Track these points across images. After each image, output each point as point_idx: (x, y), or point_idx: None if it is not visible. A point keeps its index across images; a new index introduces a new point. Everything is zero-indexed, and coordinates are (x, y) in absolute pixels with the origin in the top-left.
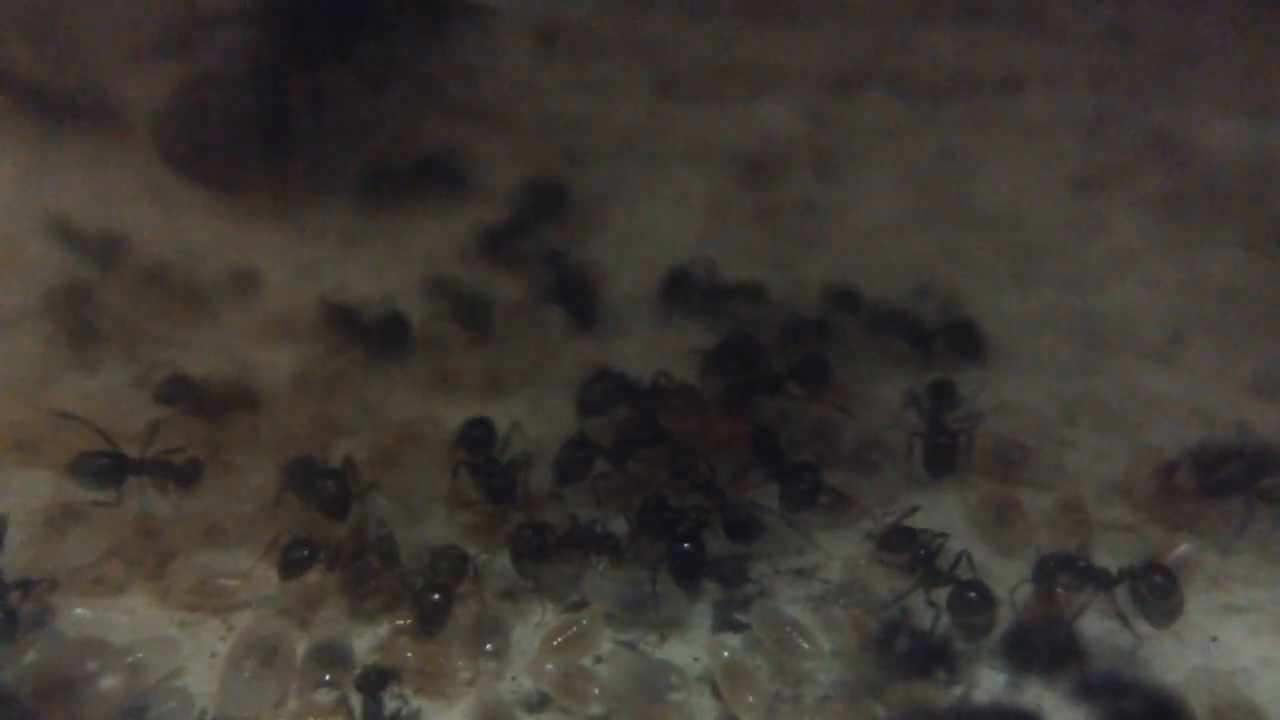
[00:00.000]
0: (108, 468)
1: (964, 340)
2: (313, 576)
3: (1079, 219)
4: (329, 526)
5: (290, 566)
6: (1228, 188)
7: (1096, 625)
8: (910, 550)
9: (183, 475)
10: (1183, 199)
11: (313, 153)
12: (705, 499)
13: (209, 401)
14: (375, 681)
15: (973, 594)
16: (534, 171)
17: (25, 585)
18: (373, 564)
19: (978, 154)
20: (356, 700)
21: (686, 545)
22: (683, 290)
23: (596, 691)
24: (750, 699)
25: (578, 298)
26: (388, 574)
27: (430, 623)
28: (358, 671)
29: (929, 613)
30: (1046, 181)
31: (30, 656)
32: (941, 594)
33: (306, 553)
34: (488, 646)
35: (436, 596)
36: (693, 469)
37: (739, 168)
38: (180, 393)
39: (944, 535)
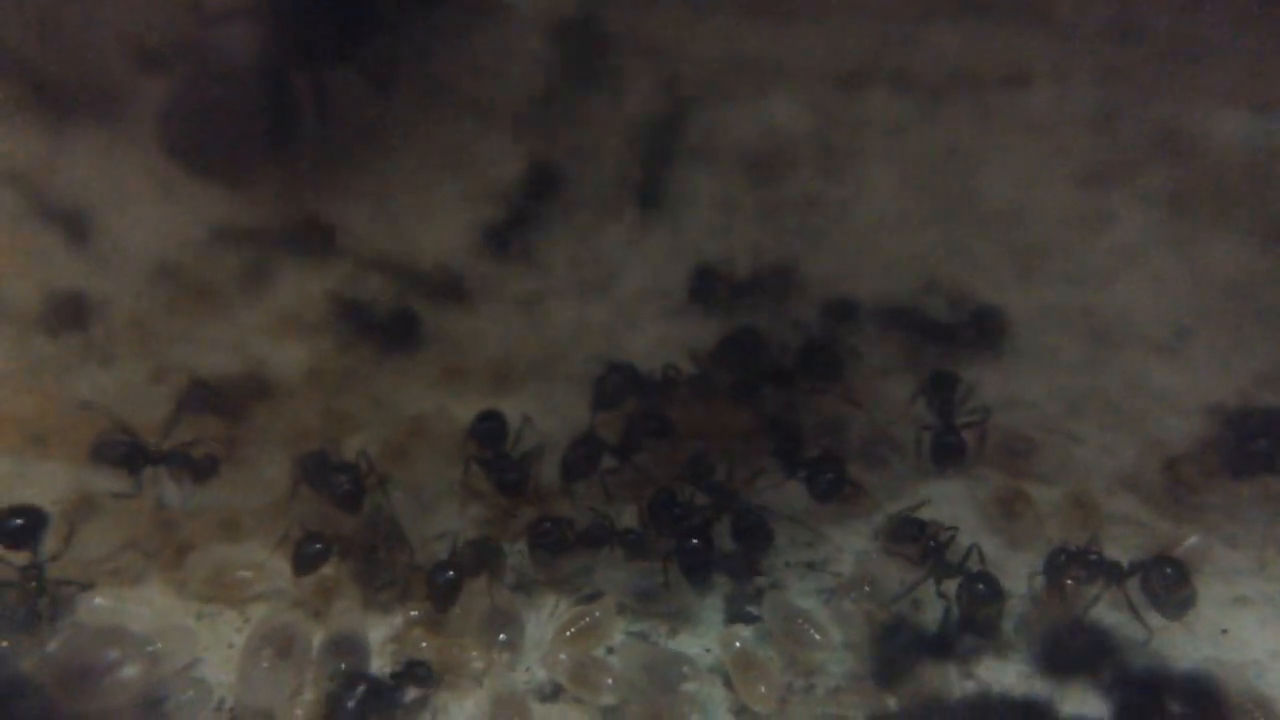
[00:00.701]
0: (127, 454)
1: (989, 328)
2: (327, 569)
3: (1084, 215)
4: (342, 519)
5: (304, 562)
6: (1232, 183)
7: (1108, 617)
8: (920, 542)
9: (200, 469)
10: (1187, 195)
11: (317, 148)
12: (716, 500)
13: (227, 402)
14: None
15: (981, 586)
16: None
17: (60, 584)
18: (381, 554)
19: (982, 150)
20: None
21: (695, 541)
22: (708, 287)
23: (609, 682)
24: (762, 690)
25: None
26: (398, 560)
27: (442, 600)
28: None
29: (939, 604)
30: (1051, 177)
31: (52, 645)
32: (951, 586)
33: (320, 547)
34: (501, 637)
35: (450, 574)
36: (710, 472)
37: (744, 164)
38: (203, 397)
39: (954, 528)
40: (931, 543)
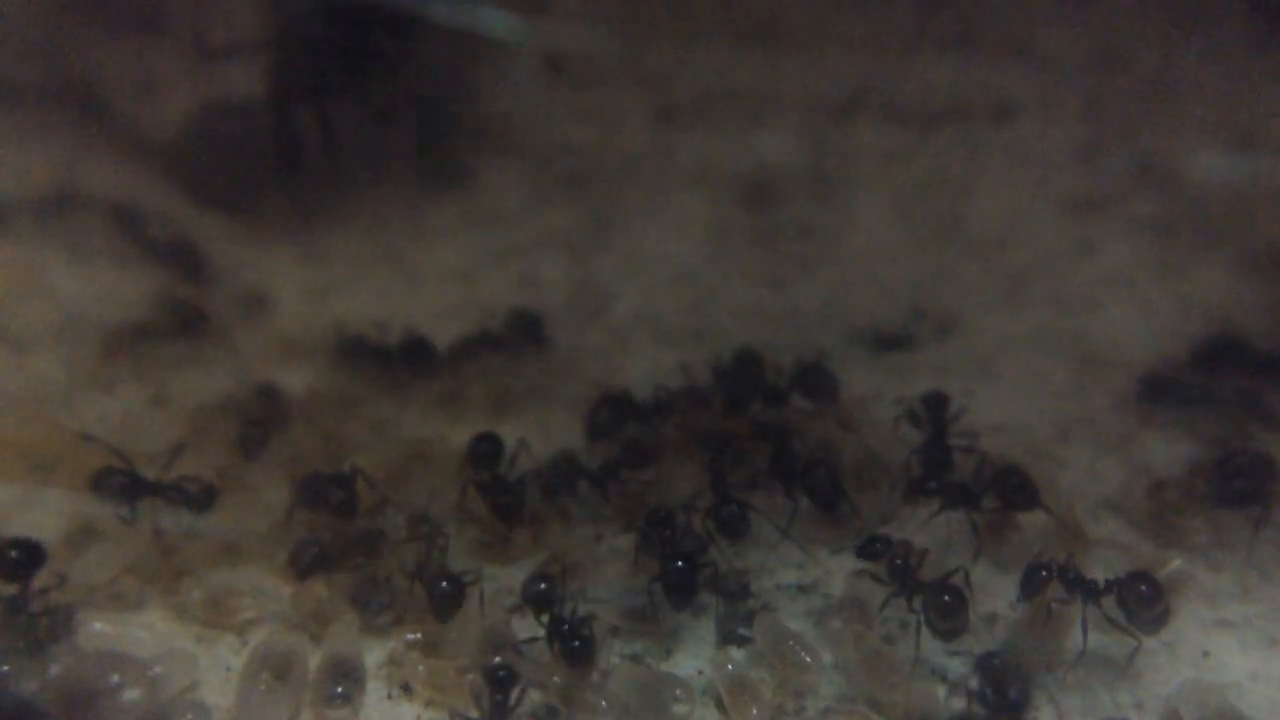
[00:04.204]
0: (126, 486)
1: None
2: (323, 591)
3: (1070, 242)
4: (336, 536)
5: (303, 565)
6: (1214, 214)
7: (1090, 636)
8: (886, 558)
9: (197, 502)
10: (1171, 224)
11: (323, 178)
12: (711, 484)
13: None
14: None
15: (946, 598)
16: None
17: (48, 612)
18: (358, 557)
19: (970, 179)
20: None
21: (679, 564)
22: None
23: (603, 704)
24: (753, 711)
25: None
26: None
27: (442, 609)
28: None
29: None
30: (1038, 206)
31: (54, 670)
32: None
33: (317, 550)
34: (496, 659)
35: (445, 584)
36: (719, 455)
37: (738, 192)
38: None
39: (925, 550)
40: (898, 560)
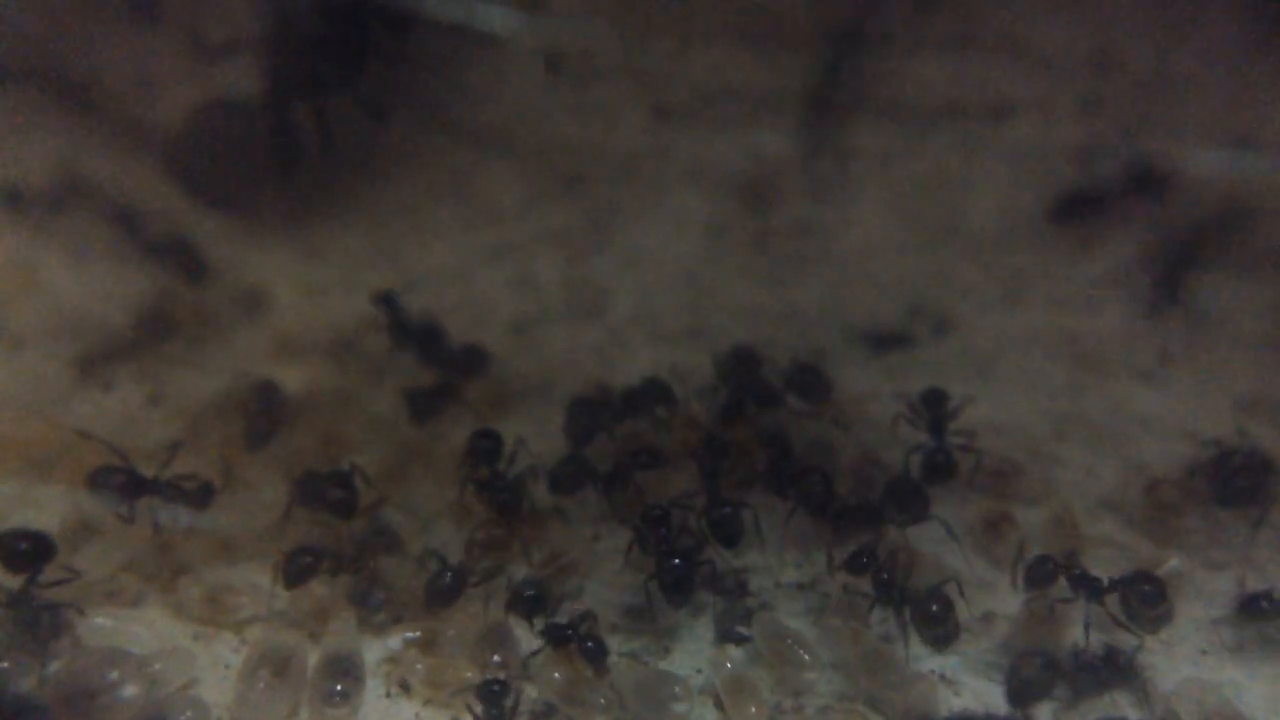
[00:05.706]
0: (124, 484)
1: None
2: (322, 590)
3: (1067, 243)
4: (334, 535)
5: (294, 574)
6: (1212, 214)
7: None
8: (870, 571)
9: (195, 500)
10: (1168, 224)
11: (320, 176)
12: (704, 485)
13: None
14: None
15: (933, 608)
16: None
17: (51, 607)
18: (378, 563)
19: (967, 178)
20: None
21: (675, 561)
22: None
23: (602, 702)
24: (752, 710)
25: None
26: (394, 578)
27: (436, 601)
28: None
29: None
30: (1034, 205)
31: (53, 666)
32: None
33: (310, 559)
34: (495, 657)
35: (449, 576)
36: (713, 456)
37: (736, 191)
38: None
39: (910, 556)
40: (883, 575)
